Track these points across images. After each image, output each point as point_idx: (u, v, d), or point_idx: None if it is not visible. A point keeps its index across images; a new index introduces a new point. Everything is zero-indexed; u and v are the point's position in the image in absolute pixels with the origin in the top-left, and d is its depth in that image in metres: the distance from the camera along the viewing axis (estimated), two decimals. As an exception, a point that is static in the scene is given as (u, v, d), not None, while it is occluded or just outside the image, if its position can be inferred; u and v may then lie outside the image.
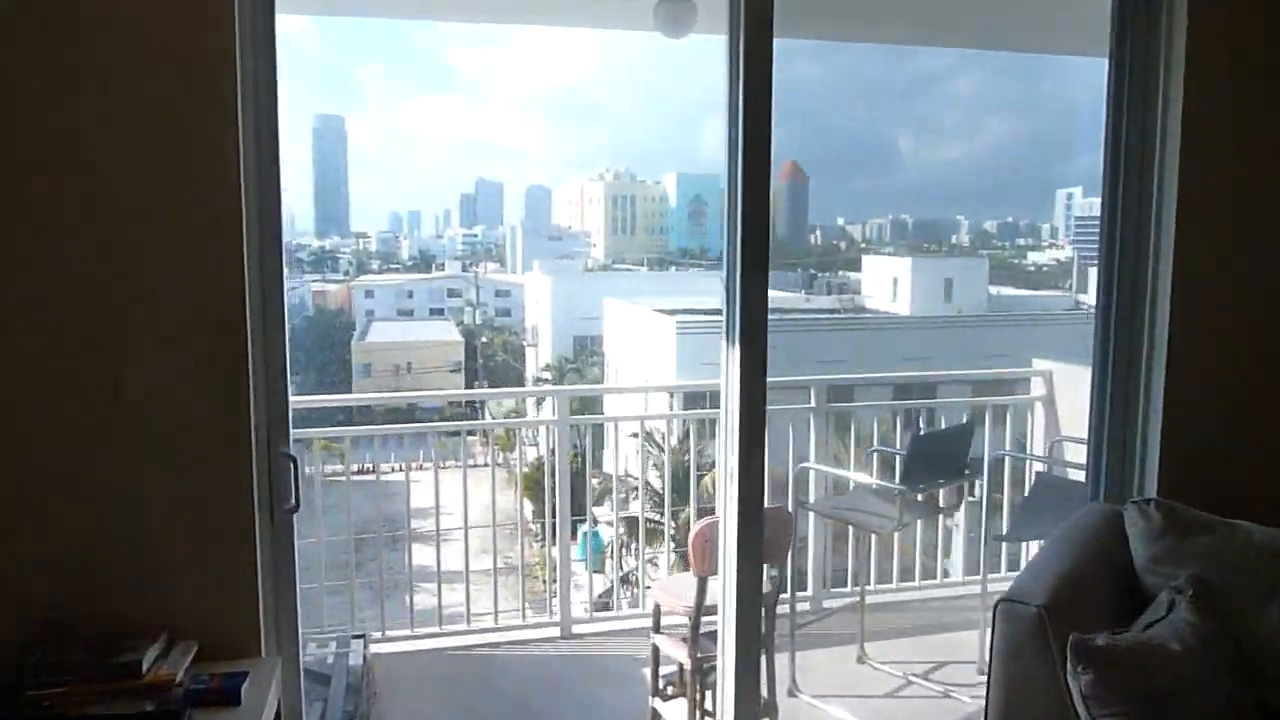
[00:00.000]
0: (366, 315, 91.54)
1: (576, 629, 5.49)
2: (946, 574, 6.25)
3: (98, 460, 2.38)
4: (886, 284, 33.39)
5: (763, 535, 2.96)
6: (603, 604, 10.01)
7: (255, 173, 2.44)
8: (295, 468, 2.54)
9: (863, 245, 65.91)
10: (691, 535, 3.84)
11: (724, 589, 3.03)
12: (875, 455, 5.76)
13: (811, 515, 5.46)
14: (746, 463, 2.87)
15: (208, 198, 2.38)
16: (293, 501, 2.56)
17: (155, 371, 2.39)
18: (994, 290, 33.43)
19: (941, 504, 4.81)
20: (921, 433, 6.15)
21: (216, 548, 2.45)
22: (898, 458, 5.25)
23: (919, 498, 4.62)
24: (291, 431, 2.62)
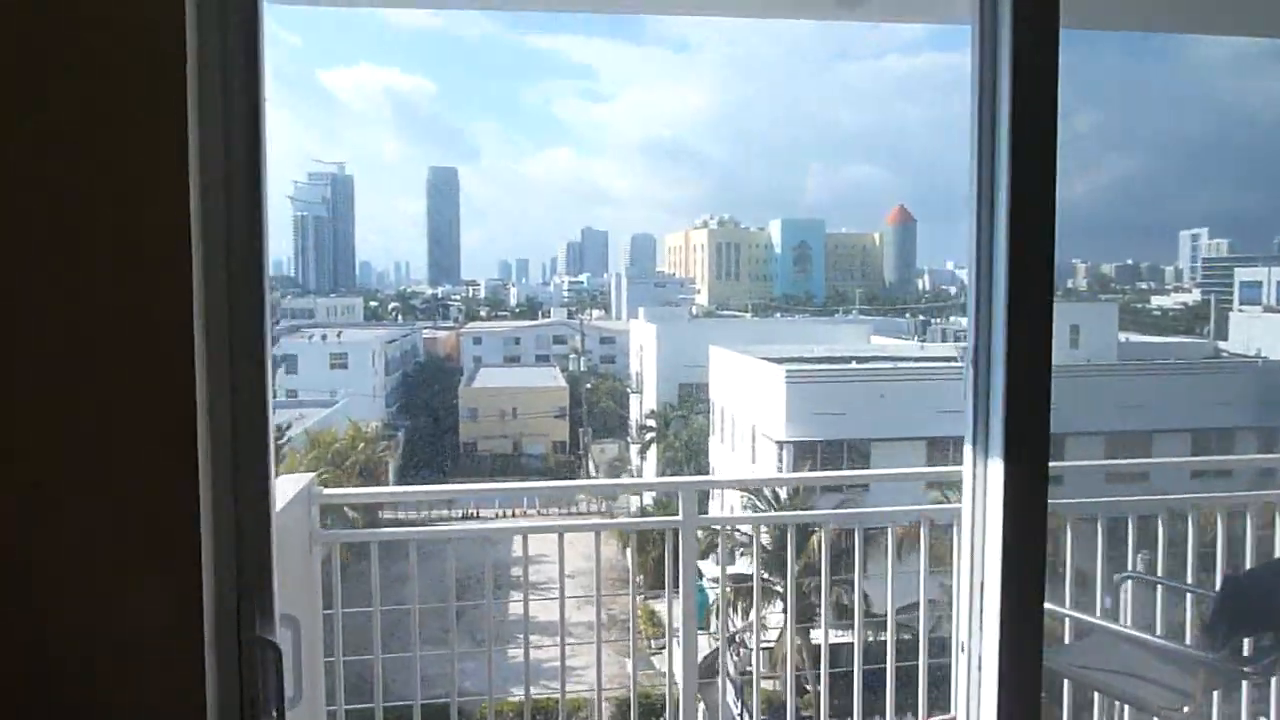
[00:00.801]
0: (474, 361, 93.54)
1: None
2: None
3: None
4: (1004, 330, 32.04)
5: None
6: (709, 668, 9.42)
7: (221, 207, 1.68)
8: (279, 659, 1.70)
9: (975, 291, 63.77)
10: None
11: None
12: (1129, 584, 3.90)
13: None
14: (1015, 653, 1.84)
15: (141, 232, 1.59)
16: (281, 700, 1.71)
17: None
18: (1121, 337, 31.87)
19: (1248, 661, 3.31)
20: (1242, 572, 4.20)
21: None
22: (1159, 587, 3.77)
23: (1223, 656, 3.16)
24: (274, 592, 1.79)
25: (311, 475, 3.82)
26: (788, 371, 28.69)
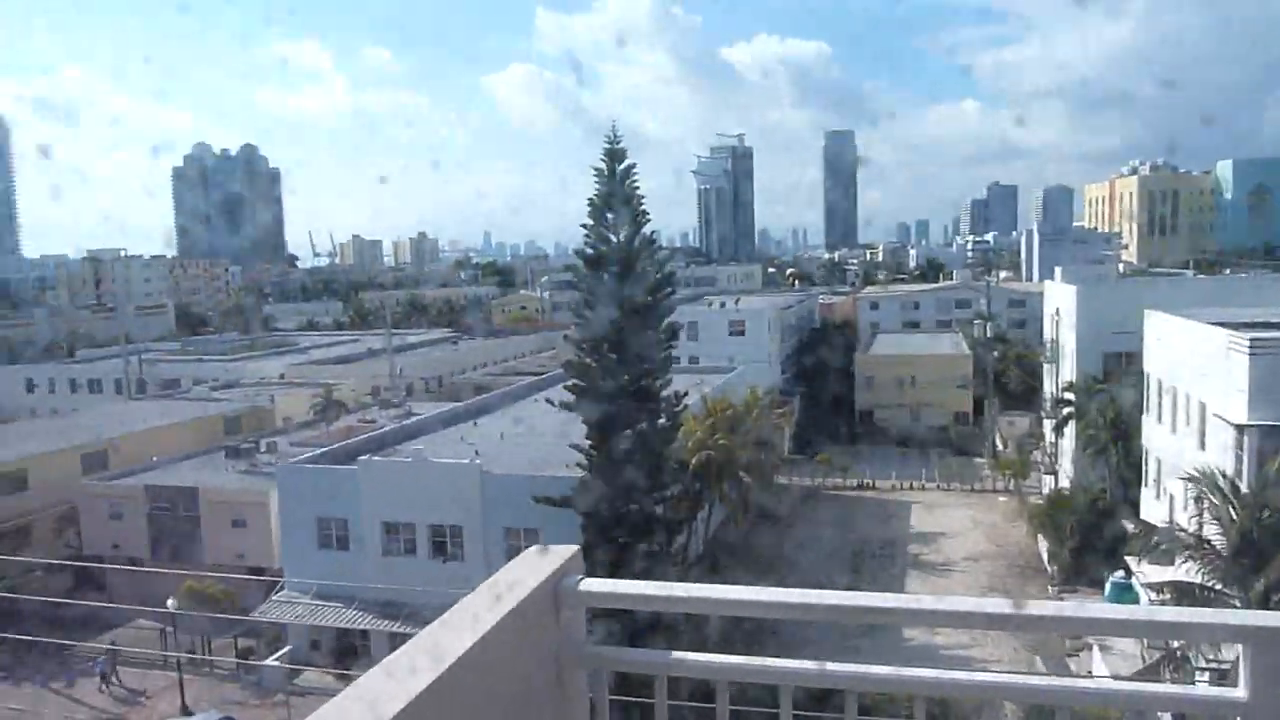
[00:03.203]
0: (871, 327, 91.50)
1: None
2: None
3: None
4: None
5: None
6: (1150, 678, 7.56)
7: None
8: None
9: None
10: None
11: None
12: None
13: None
14: None
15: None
16: None
17: None
18: None
19: None
20: None
21: None
22: None
23: None
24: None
25: (571, 550, 2.29)
26: (1252, 340, 23.74)
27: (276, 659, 34.30)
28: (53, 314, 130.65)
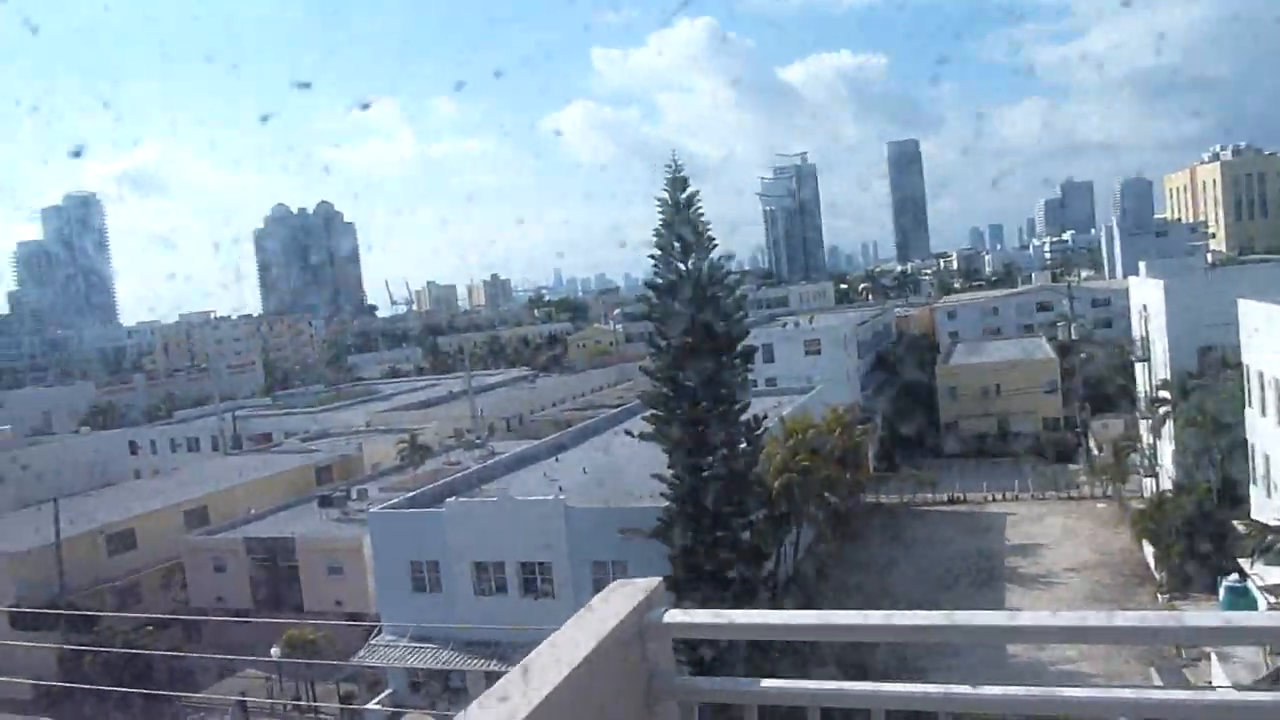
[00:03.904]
0: (950, 337, 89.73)
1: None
2: None
3: None
4: None
5: None
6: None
7: None
8: None
9: None
10: None
11: None
12: None
13: None
14: None
15: None
16: None
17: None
18: None
19: None
20: None
21: None
22: None
23: None
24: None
25: (655, 582, 2.30)
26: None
27: (378, 702, 34.85)
28: (150, 378, 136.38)
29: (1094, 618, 2.07)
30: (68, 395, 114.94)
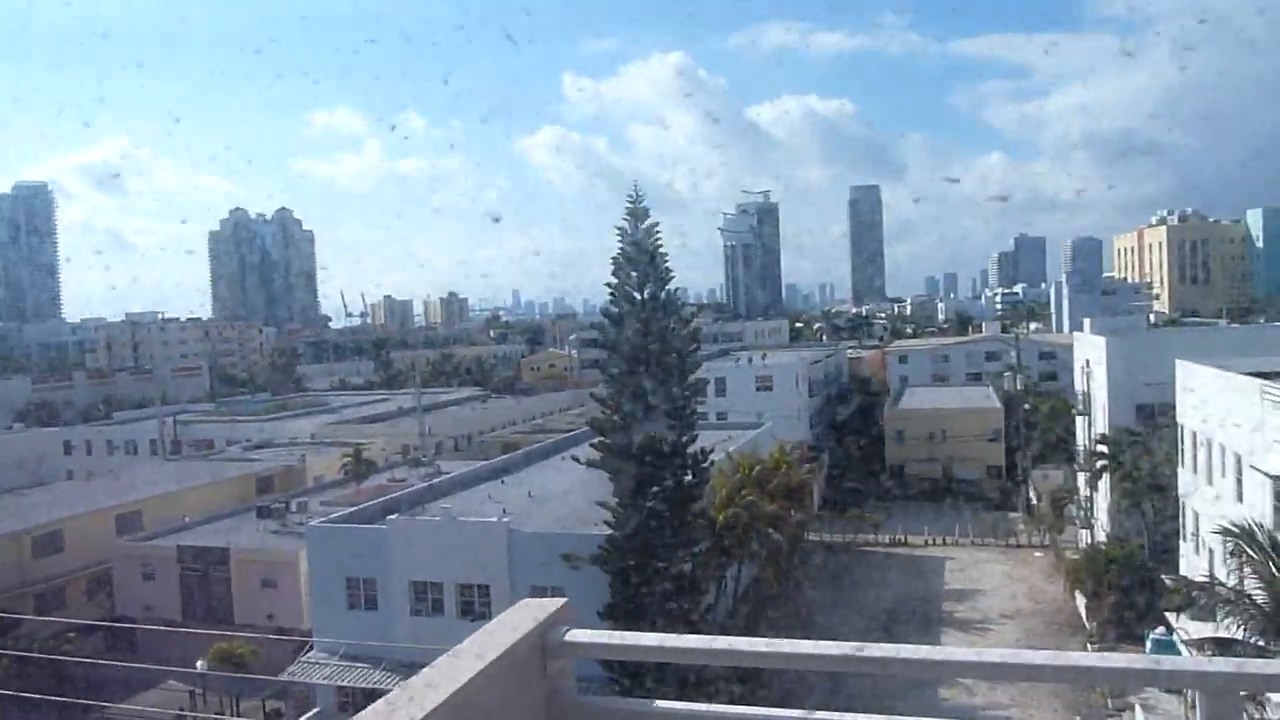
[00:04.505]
0: (900, 381, 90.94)
1: None
2: None
3: None
4: None
5: None
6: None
7: None
8: None
9: None
10: None
11: None
12: None
13: None
14: None
15: None
16: None
17: None
18: None
19: None
20: None
21: None
22: None
23: None
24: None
25: (560, 602, 2.40)
26: (1286, 391, 23.42)
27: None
28: (91, 376, 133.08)
29: (1024, 655, 2.19)
30: (2, 389, 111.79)
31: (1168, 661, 2.37)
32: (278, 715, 35.74)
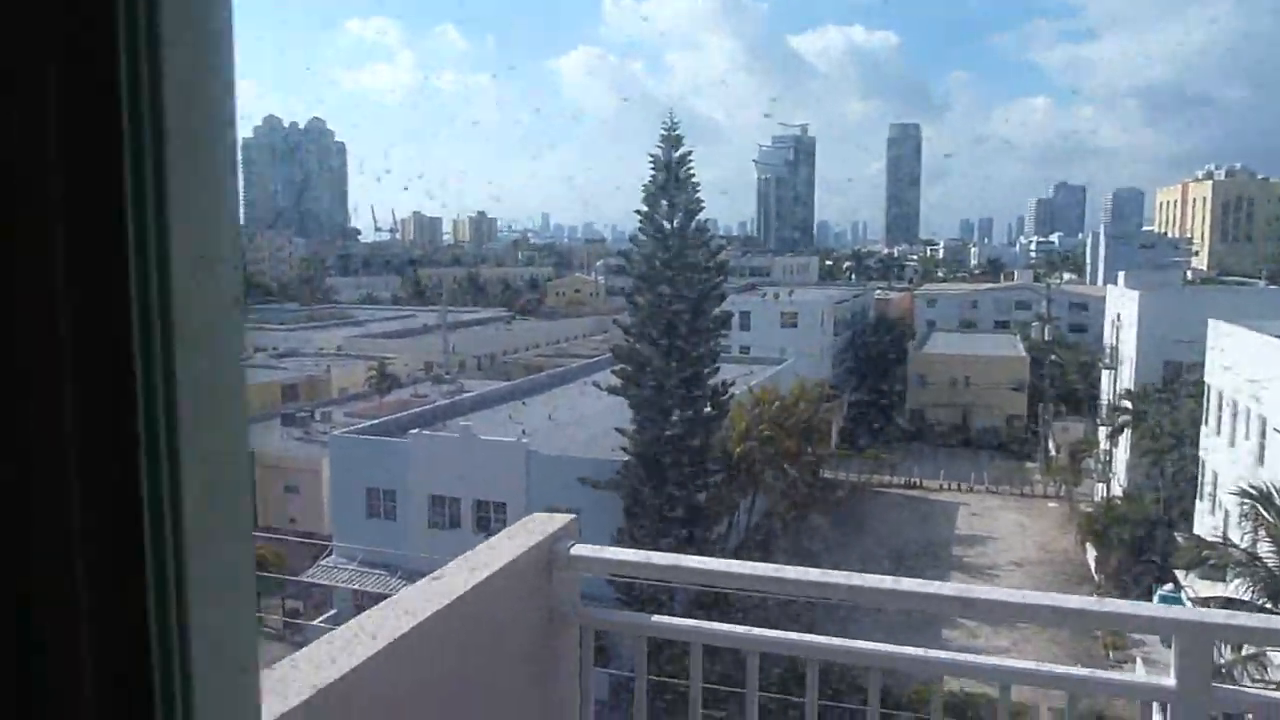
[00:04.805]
0: (927, 325, 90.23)
1: None
2: None
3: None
4: None
5: None
6: None
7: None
8: None
9: None
10: None
11: None
12: None
13: None
14: None
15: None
16: None
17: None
18: None
19: None
20: None
21: None
22: None
23: None
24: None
25: (568, 517, 2.45)
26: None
27: (322, 620, 35.26)
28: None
29: (1030, 596, 2.26)
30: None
31: (1147, 608, 2.50)
32: (296, 614, 36.94)
